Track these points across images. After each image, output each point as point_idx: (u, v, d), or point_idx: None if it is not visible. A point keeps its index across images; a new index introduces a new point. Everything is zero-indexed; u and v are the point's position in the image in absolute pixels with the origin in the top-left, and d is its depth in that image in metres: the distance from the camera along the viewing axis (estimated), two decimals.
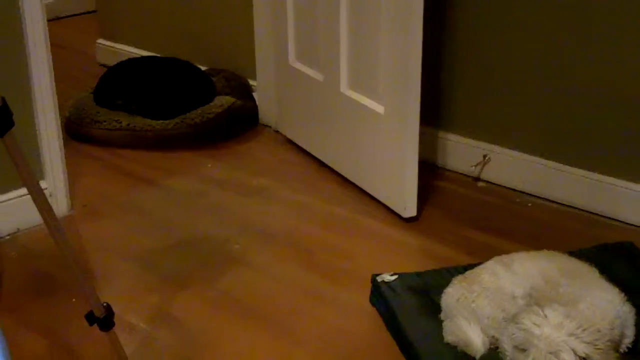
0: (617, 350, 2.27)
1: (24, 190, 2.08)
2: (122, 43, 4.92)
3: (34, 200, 1.79)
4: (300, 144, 3.89)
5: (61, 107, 3.33)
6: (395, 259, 3.03)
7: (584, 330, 2.16)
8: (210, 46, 4.46)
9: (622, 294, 2.40)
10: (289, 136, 3.98)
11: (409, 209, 3.24)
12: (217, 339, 2.58)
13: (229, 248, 3.10)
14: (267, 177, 3.66)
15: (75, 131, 3.97)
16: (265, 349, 2.55)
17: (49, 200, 2.12)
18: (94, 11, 5.33)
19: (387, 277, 2.72)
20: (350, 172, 3.55)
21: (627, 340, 2.34)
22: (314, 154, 3.79)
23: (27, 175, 1.77)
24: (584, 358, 2.13)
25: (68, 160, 3.35)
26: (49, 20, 3.12)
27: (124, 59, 4.31)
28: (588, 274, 2.45)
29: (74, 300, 2.64)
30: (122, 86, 4.09)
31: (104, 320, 1.97)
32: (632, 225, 3.22)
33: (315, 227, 3.26)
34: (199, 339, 2.58)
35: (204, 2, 4.42)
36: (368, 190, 3.43)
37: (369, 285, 2.73)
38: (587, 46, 3.20)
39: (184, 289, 2.84)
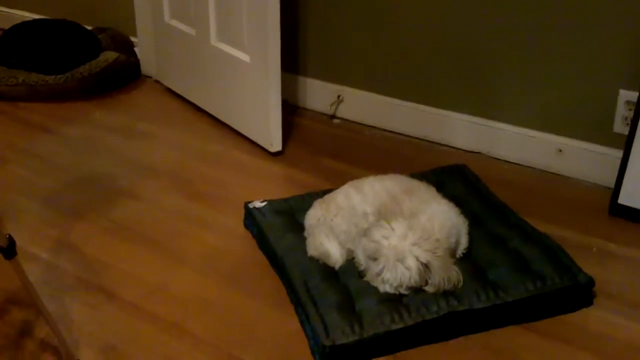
0: (453, 256, 2.29)
1: None
2: (16, 8, 4.71)
3: None
4: (178, 92, 3.80)
5: None
6: (264, 187, 2.99)
7: (425, 240, 2.17)
8: (95, 8, 4.31)
9: (457, 208, 2.41)
10: (167, 85, 3.89)
11: (275, 144, 3.20)
12: (111, 262, 2.52)
13: (118, 184, 3.02)
14: (149, 121, 3.58)
15: None
16: (154, 268, 2.50)
17: None
18: None
19: (258, 204, 2.68)
20: (222, 114, 3.48)
21: (462, 247, 2.35)
22: (190, 99, 3.70)
23: None
24: (425, 264, 2.15)
25: None
26: None
27: (18, 22, 4.14)
28: (427, 191, 2.45)
29: None
30: (17, 46, 3.94)
31: (7, 249, 1.89)
32: (460, 149, 3.24)
33: (194, 162, 3.19)
34: (95, 264, 2.51)
35: None
36: (239, 130, 3.37)
37: (243, 210, 2.69)
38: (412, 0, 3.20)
39: (81, 221, 2.75)
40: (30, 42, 3.93)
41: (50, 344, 2.13)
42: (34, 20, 4.17)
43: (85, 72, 3.82)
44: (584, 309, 2.25)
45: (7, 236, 1.90)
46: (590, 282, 2.24)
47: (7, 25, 4.21)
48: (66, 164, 3.20)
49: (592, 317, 2.23)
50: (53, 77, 3.81)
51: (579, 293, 2.25)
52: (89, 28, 4.13)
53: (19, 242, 1.92)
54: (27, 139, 3.44)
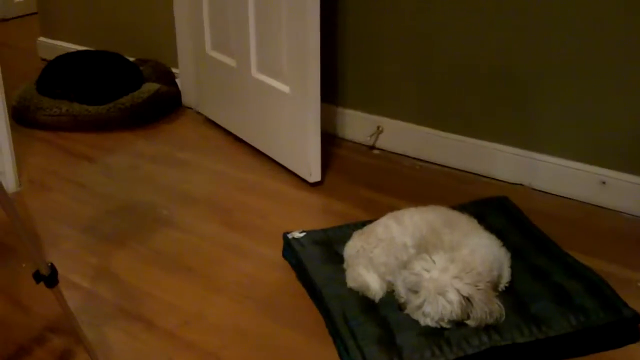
0: (495, 290, 2.24)
1: None
2: (60, 40, 4.76)
3: None
4: (218, 122, 3.79)
5: (8, 97, 3.19)
6: (303, 218, 2.97)
7: (467, 273, 2.14)
8: (138, 39, 4.34)
9: (499, 241, 2.38)
10: (208, 116, 3.88)
11: (314, 175, 3.17)
12: (150, 290, 2.52)
13: (158, 212, 3.02)
14: (190, 151, 3.58)
15: (22, 117, 3.83)
16: (192, 296, 2.49)
17: None
18: (35, 13, 5.13)
19: (297, 234, 2.65)
20: (262, 145, 3.46)
21: (504, 281, 2.31)
22: (230, 130, 3.69)
23: None
24: (466, 297, 2.10)
25: (16, 143, 3.23)
26: None
27: (62, 53, 4.17)
28: (468, 224, 2.41)
29: (24, 265, 2.56)
30: (61, 77, 3.96)
31: (49, 278, 1.90)
32: (501, 181, 3.19)
33: (233, 191, 3.18)
34: (134, 292, 2.51)
35: (131, 0, 4.31)
36: (278, 160, 3.35)
37: (281, 240, 2.67)
38: (451, 30, 3.16)
39: (120, 249, 2.76)
40: (74, 73, 3.95)
41: None
42: (78, 52, 4.20)
43: (128, 103, 3.83)
44: (630, 346, 2.19)
45: (49, 265, 1.90)
46: (636, 317, 2.17)
47: (51, 56, 4.26)
48: (107, 192, 3.21)
49: (638, 354, 2.17)
50: (96, 107, 3.81)
51: (623, 328, 2.19)
52: (132, 59, 4.15)
53: (59, 270, 1.92)
54: (70, 167, 3.45)
